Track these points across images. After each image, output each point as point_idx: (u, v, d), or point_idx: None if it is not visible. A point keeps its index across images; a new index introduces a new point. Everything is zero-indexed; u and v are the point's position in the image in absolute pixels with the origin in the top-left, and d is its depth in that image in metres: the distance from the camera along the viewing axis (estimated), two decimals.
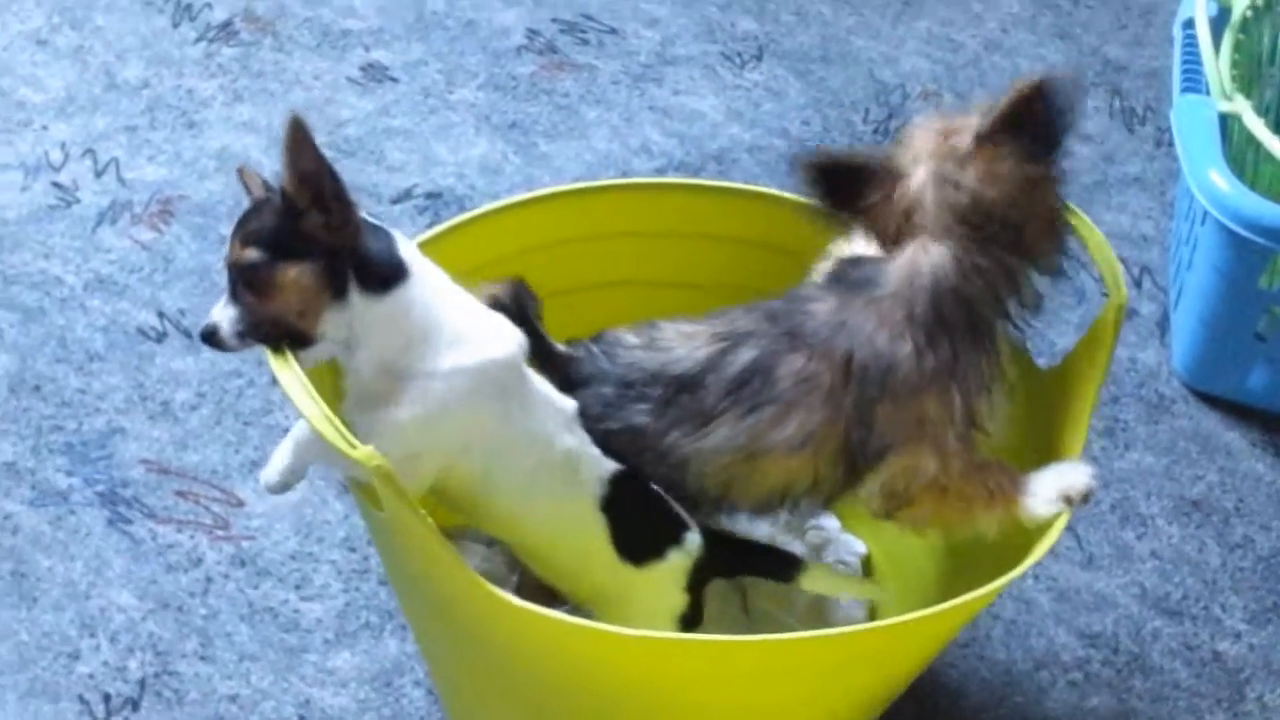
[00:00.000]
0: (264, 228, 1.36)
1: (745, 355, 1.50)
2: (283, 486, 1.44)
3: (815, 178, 1.50)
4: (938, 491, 1.47)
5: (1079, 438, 1.53)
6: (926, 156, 1.47)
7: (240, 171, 1.44)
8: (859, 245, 1.54)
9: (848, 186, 1.49)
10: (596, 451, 1.51)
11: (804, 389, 1.47)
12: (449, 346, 1.39)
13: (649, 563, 1.54)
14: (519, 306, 1.56)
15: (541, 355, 1.55)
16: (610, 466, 1.51)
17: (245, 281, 1.36)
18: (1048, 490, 1.47)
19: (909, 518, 1.50)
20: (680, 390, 1.51)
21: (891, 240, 1.48)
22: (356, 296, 1.37)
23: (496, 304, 1.54)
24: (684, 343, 1.53)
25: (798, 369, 1.47)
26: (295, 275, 1.35)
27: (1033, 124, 1.44)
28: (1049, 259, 1.49)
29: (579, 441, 1.50)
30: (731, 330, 1.52)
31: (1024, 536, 1.48)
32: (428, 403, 1.39)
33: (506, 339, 1.44)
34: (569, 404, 1.51)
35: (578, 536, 1.51)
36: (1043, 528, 1.47)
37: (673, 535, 1.55)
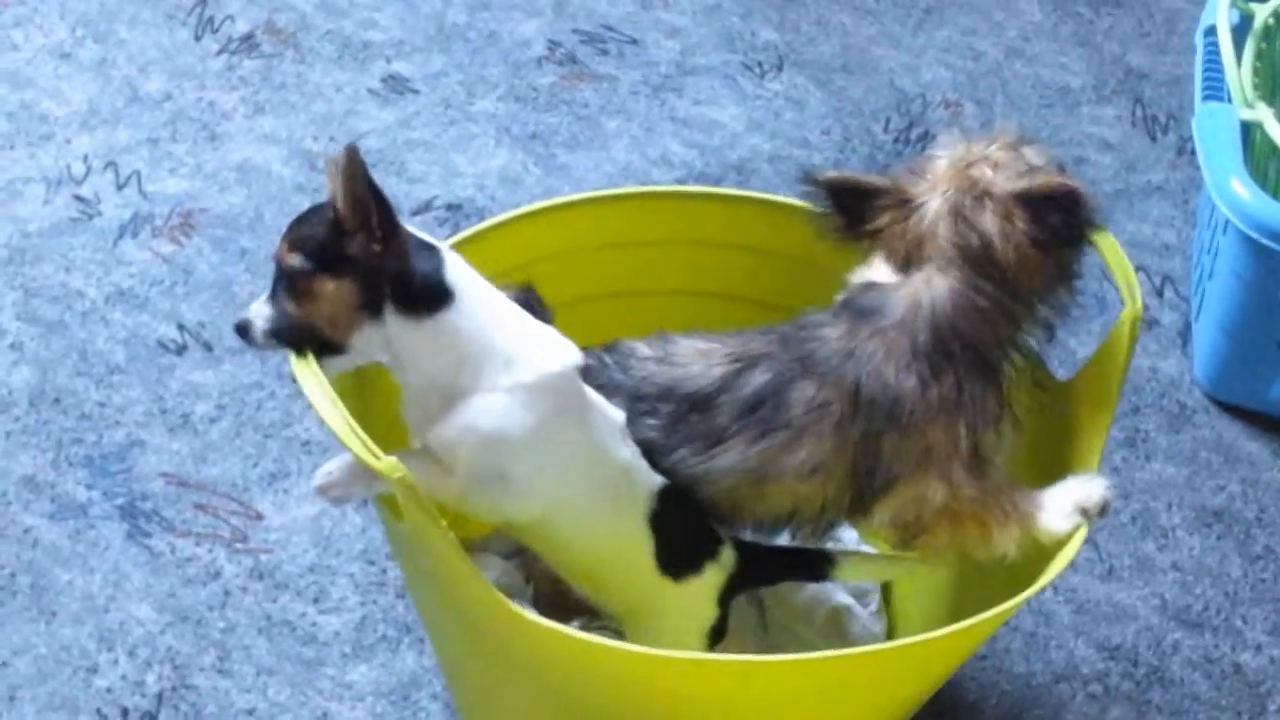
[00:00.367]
0: (312, 236, 1.37)
1: (759, 379, 1.50)
2: (336, 501, 1.44)
3: (827, 196, 1.51)
4: (951, 518, 1.47)
5: (1095, 450, 1.53)
6: (945, 187, 1.48)
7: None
8: (877, 270, 1.53)
9: (860, 207, 1.51)
10: (645, 465, 1.51)
11: (815, 417, 1.47)
12: (505, 365, 1.40)
13: (686, 577, 1.54)
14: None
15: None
16: (658, 480, 1.51)
17: (287, 284, 1.38)
18: (1063, 505, 1.46)
19: (926, 546, 1.50)
20: (692, 408, 1.51)
21: (901, 265, 1.49)
22: (392, 317, 1.38)
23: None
24: (698, 360, 1.52)
25: (809, 396, 1.48)
26: (332, 289, 1.37)
27: (1052, 216, 1.46)
28: (1055, 303, 1.50)
29: (632, 454, 1.50)
30: (745, 352, 1.52)
31: (1042, 552, 1.48)
32: (490, 420, 1.39)
33: (563, 353, 1.44)
34: (619, 415, 1.50)
35: (624, 552, 1.51)
36: (1060, 543, 1.46)
37: (710, 550, 1.55)
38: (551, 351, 1.43)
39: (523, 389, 1.40)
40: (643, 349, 1.57)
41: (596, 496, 1.47)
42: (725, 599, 1.57)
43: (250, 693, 1.72)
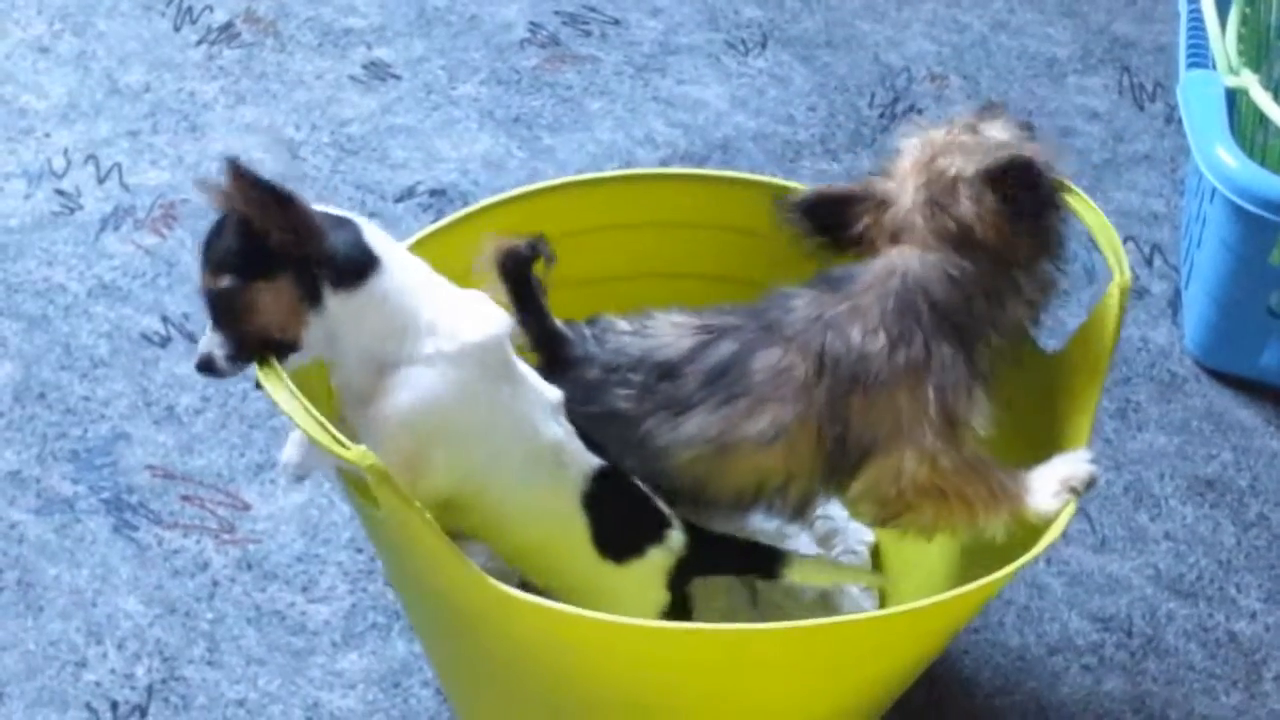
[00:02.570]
0: (230, 251, 1.35)
1: (725, 347, 1.50)
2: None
3: (804, 218, 1.54)
4: (936, 495, 1.46)
5: (1085, 423, 1.52)
6: (915, 181, 1.50)
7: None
8: None
9: (837, 218, 1.53)
10: (580, 445, 1.50)
11: (778, 381, 1.47)
12: (428, 332, 1.39)
13: (629, 560, 1.52)
14: (519, 267, 1.56)
15: (540, 331, 1.55)
16: (594, 462, 1.50)
17: (224, 307, 1.36)
18: (1050, 484, 1.46)
19: (911, 523, 1.49)
20: (661, 377, 1.51)
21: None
22: (330, 298, 1.37)
23: (505, 259, 1.54)
24: (671, 331, 1.53)
25: (773, 362, 1.48)
26: (270, 293, 1.36)
27: (1014, 189, 1.47)
28: (1041, 278, 1.51)
29: (565, 433, 1.49)
30: (718, 324, 1.52)
31: (1032, 531, 1.47)
32: (414, 392, 1.38)
33: (489, 321, 1.43)
34: (554, 392, 1.49)
35: (559, 533, 1.50)
36: (1050, 522, 1.45)
37: (654, 532, 1.53)
38: (476, 319, 1.42)
39: (442, 358, 1.39)
40: (622, 323, 1.58)
41: (523, 472, 1.45)
42: (675, 583, 1.55)
43: (240, 683, 1.72)
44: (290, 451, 1.46)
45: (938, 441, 1.45)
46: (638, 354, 1.53)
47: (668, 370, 1.51)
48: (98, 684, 1.71)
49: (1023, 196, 1.47)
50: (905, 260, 1.47)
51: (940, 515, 1.47)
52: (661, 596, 1.54)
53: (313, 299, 1.36)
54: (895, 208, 1.51)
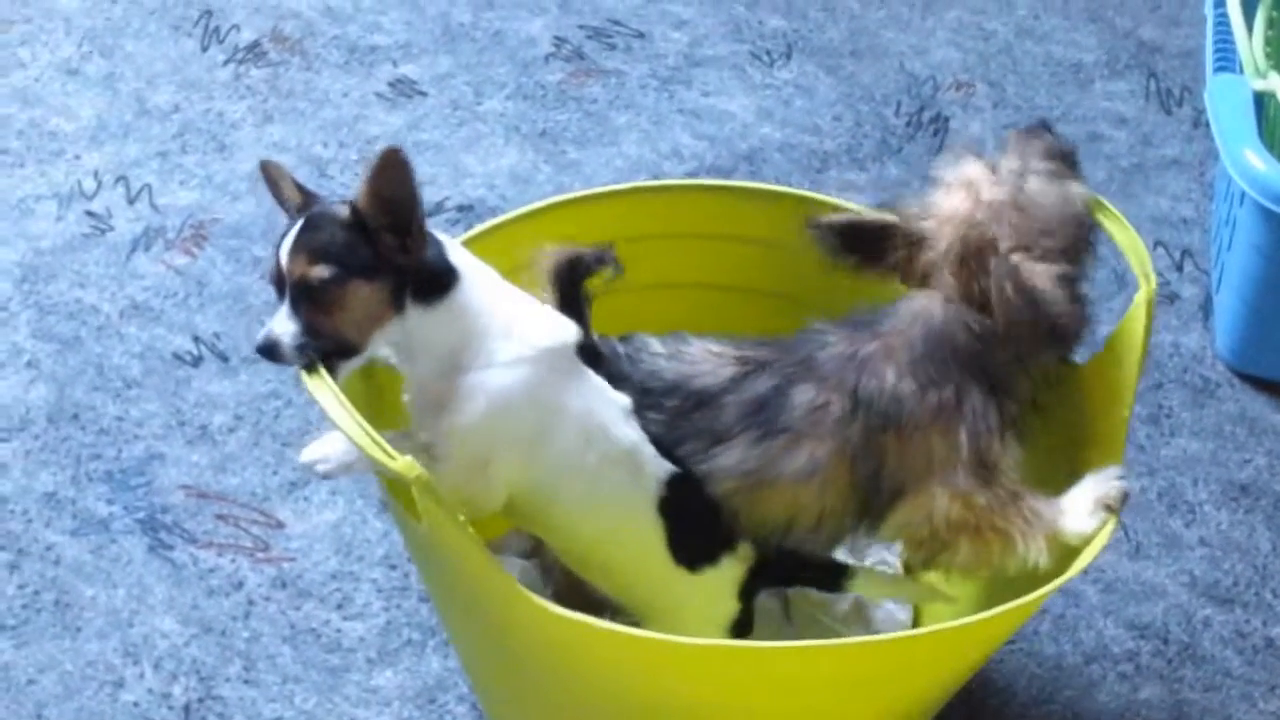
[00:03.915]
0: (334, 243, 1.36)
1: (765, 381, 1.51)
2: (325, 475, 1.43)
3: (835, 240, 1.53)
4: (971, 531, 1.46)
5: (1120, 437, 1.51)
6: (952, 229, 1.49)
7: (265, 166, 1.44)
8: None
9: (870, 246, 1.53)
10: (654, 451, 1.50)
11: (815, 418, 1.48)
12: (503, 340, 1.41)
13: (703, 569, 1.53)
14: (576, 276, 1.56)
15: (580, 344, 1.55)
16: (668, 467, 1.50)
17: (312, 297, 1.35)
18: (1084, 504, 1.45)
19: (950, 562, 1.49)
20: (698, 405, 1.51)
21: (916, 288, 1.52)
22: (412, 309, 1.39)
23: (563, 267, 1.55)
24: (709, 360, 1.53)
25: (810, 398, 1.48)
26: (366, 293, 1.37)
27: (1042, 326, 1.46)
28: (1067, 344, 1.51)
29: (639, 437, 1.49)
30: (755, 356, 1.53)
31: (1073, 551, 1.46)
32: (489, 396, 1.40)
33: (559, 329, 1.45)
34: (624, 398, 1.50)
35: (635, 540, 1.50)
36: (1089, 541, 1.45)
37: (728, 541, 1.54)
38: (548, 327, 1.44)
39: (520, 362, 1.41)
40: (656, 344, 1.57)
41: (597, 475, 1.46)
42: (746, 593, 1.55)
43: (276, 701, 1.72)
44: (320, 450, 1.41)
45: (970, 480, 1.45)
46: (672, 379, 1.53)
47: (706, 399, 1.51)
48: (135, 704, 1.71)
49: (1045, 338, 1.47)
50: (930, 307, 1.48)
51: (978, 551, 1.46)
52: (733, 606, 1.54)
53: (398, 307, 1.38)
54: (929, 252, 1.50)
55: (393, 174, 1.34)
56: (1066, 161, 1.53)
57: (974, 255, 1.47)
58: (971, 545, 1.46)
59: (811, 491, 1.48)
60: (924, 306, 1.49)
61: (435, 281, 1.40)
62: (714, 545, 1.53)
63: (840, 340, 1.51)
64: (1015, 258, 1.45)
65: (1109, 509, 1.44)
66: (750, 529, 1.53)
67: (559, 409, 1.43)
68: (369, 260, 1.36)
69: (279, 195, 1.43)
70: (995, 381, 1.47)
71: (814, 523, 1.50)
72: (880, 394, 1.46)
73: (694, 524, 1.51)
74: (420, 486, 1.28)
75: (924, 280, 1.50)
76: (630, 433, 1.48)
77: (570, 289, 1.56)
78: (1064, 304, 1.44)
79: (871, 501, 1.48)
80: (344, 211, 1.38)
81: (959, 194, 1.50)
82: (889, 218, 1.53)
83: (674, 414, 1.51)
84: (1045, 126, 1.56)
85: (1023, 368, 1.48)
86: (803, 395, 1.48)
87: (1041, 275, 1.44)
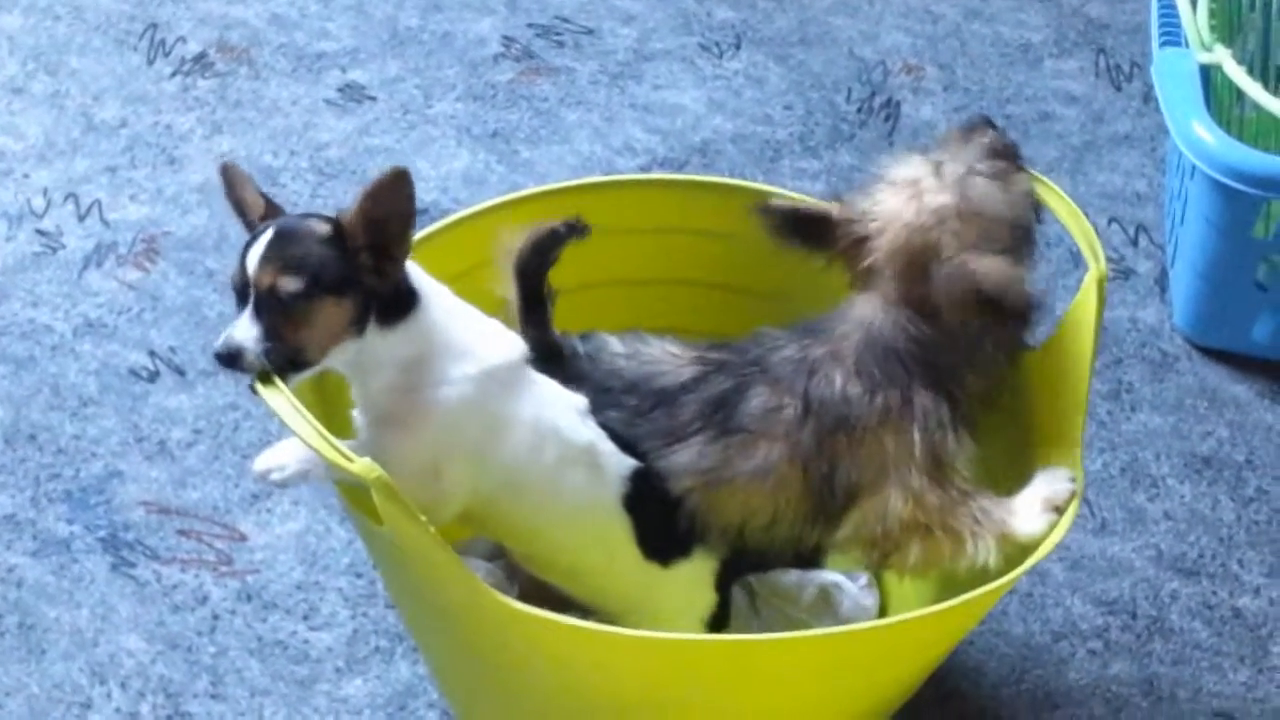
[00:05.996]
0: (309, 256, 1.35)
1: (723, 382, 1.51)
2: (281, 485, 1.42)
3: (779, 225, 1.53)
4: (922, 532, 1.46)
5: (1073, 433, 1.50)
6: (894, 233, 1.48)
7: (226, 169, 1.42)
8: None
9: (812, 234, 1.53)
10: (614, 447, 1.50)
11: (770, 420, 1.48)
12: (456, 359, 1.41)
13: (676, 561, 1.52)
14: (540, 265, 1.56)
15: (540, 341, 1.55)
16: (630, 462, 1.50)
17: (278, 308, 1.34)
18: (1033, 506, 1.46)
19: (901, 564, 1.48)
20: (658, 404, 1.52)
21: (860, 285, 1.51)
22: (372, 330, 1.38)
23: (530, 253, 1.55)
24: (669, 360, 1.54)
25: (765, 400, 1.49)
26: (333, 311, 1.35)
27: (992, 314, 1.45)
28: (1009, 341, 1.50)
29: (596, 435, 1.49)
30: (713, 357, 1.53)
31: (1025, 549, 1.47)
32: (437, 412, 1.40)
33: (508, 346, 1.45)
34: (578, 399, 1.50)
35: (602, 539, 1.50)
36: (1039, 542, 1.45)
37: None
38: (496, 345, 1.45)
39: (466, 380, 1.40)
40: (615, 344, 1.58)
41: (555, 477, 1.46)
42: (722, 584, 1.55)
43: (245, 715, 1.71)
44: (275, 458, 1.40)
45: (924, 480, 1.45)
46: (632, 379, 1.53)
47: (665, 398, 1.52)
48: None
49: (996, 325, 1.46)
50: (872, 311, 1.48)
51: (929, 551, 1.46)
52: (710, 598, 1.54)
53: (359, 328, 1.37)
54: (873, 253, 1.49)
55: (394, 194, 1.34)
56: (1009, 157, 1.53)
57: (917, 261, 1.47)
58: (922, 545, 1.46)
59: (765, 492, 1.49)
60: (866, 312, 1.49)
61: (399, 304, 1.39)
62: (684, 538, 1.53)
63: (791, 345, 1.51)
64: (959, 259, 1.45)
65: (1057, 510, 1.45)
66: (706, 528, 1.52)
67: (507, 418, 1.43)
68: (341, 278, 1.35)
69: (239, 200, 1.42)
70: (944, 380, 1.47)
71: (768, 522, 1.50)
72: (831, 396, 1.47)
73: (661, 518, 1.51)
74: (380, 488, 1.27)
75: (867, 280, 1.50)
76: (586, 432, 1.48)
77: (536, 282, 1.55)
78: (1013, 284, 1.43)
79: (827, 504, 1.49)
80: (323, 226, 1.37)
81: (902, 194, 1.49)
82: (829, 209, 1.53)
83: (633, 412, 1.52)
84: (987, 122, 1.55)
85: (971, 367, 1.48)
86: (758, 397, 1.49)
87: (987, 263, 1.44)
